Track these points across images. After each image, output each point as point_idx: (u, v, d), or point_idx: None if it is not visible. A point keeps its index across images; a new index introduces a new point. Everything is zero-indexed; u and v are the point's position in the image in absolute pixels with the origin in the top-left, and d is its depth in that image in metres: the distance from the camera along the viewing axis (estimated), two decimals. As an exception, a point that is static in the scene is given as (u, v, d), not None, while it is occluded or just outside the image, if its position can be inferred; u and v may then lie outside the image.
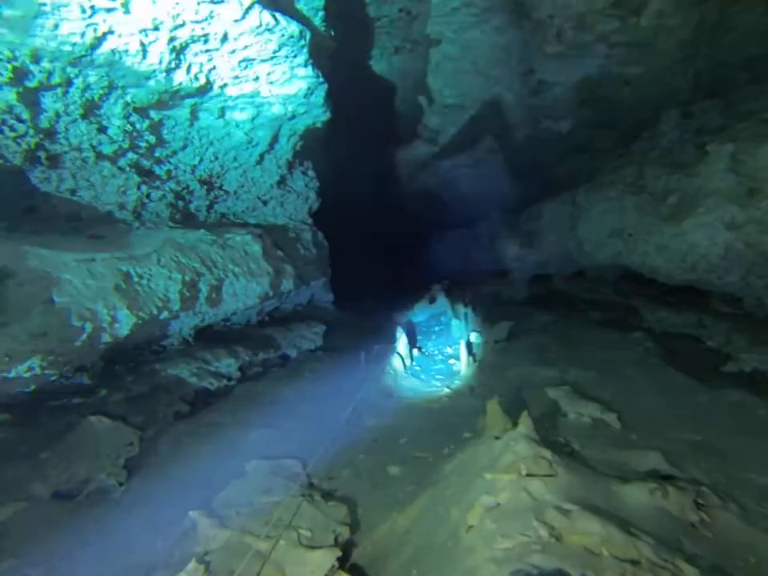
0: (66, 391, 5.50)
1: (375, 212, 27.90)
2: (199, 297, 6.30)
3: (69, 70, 5.38)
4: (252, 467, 4.60)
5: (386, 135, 23.65)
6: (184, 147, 8.06)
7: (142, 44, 5.39)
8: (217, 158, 8.67)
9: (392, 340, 9.58)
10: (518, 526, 2.77)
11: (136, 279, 5.36)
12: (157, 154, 7.73)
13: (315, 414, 6.14)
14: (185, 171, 8.37)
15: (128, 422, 5.10)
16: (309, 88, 8.02)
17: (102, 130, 6.45)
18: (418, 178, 20.88)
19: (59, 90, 5.57)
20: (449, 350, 10.86)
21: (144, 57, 5.65)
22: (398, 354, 7.99)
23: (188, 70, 6.39)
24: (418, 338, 13.11)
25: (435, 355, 10.59)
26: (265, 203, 10.66)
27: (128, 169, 7.19)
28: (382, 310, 16.81)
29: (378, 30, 19.02)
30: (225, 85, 7.17)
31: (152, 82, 6.20)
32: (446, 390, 7.03)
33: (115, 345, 5.83)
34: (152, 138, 7.24)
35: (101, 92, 5.96)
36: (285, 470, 4.52)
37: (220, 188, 9.30)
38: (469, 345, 8.71)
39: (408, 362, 8.55)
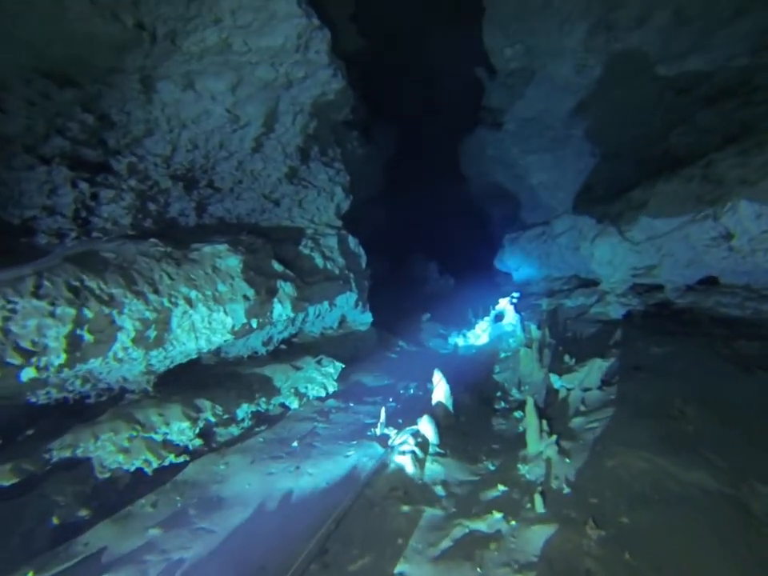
0: None
1: (433, 213, 25.19)
2: (117, 338, 4.24)
3: None
4: None
5: (441, 125, 20.98)
6: (149, 133, 6.18)
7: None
8: (196, 146, 6.70)
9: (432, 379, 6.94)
10: None
11: (-18, 319, 3.37)
12: (111, 143, 5.91)
13: (275, 531, 3.78)
14: (156, 165, 6.50)
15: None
16: (300, 36, 5.75)
17: (-5, 103, 4.65)
18: (482, 171, 17.94)
19: None
20: (516, 391, 7.98)
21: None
22: (430, 416, 5.27)
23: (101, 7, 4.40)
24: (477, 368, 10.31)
25: (496, 399, 7.75)
26: (276, 203, 8.59)
27: (56, 160, 5.34)
28: (436, 329, 14.14)
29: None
30: (174, 33, 5.13)
31: (50, 26, 4.28)
32: (501, 487, 4.28)
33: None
34: (88, 118, 5.39)
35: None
36: None
37: (209, 185, 7.35)
38: (543, 398, 5.84)
39: (447, 419, 5.87)
